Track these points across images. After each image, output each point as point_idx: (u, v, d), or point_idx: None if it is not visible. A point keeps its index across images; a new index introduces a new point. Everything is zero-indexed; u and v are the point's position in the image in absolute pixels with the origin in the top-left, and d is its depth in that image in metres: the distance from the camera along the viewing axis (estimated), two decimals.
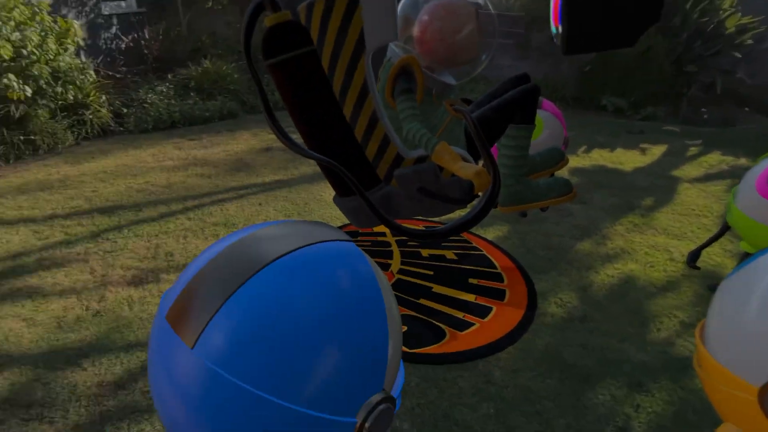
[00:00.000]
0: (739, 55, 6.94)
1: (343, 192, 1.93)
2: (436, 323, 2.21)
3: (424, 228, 3.05)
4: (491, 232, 3.23)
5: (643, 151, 5.31)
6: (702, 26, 6.81)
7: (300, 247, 0.91)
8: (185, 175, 4.36)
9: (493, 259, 2.77)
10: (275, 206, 3.70)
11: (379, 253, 2.78)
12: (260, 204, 3.75)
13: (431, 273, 2.59)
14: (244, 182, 4.21)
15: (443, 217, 3.02)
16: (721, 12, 6.91)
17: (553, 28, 1.70)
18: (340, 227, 2.74)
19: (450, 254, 2.79)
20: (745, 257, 2.66)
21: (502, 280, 2.55)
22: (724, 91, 7.06)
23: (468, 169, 1.59)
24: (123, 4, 7.03)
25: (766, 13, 7.01)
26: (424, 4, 1.78)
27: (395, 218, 2.01)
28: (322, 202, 3.75)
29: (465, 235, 2.99)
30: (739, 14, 6.89)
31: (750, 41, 6.94)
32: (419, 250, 2.83)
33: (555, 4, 1.65)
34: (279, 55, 1.33)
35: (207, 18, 7.69)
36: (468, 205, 2.04)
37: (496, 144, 2.09)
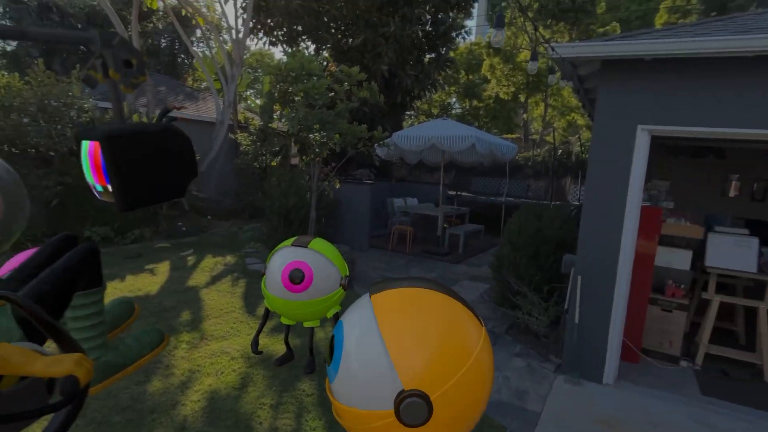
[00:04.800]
0: None
1: None
2: None
3: None
4: (39, 424, 2.42)
5: (152, 271, 5.50)
6: None
7: None
8: None
9: None
10: None
11: None
12: None
13: None
14: None
15: None
16: None
17: (98, 186, 1.67)
18: None
19: None
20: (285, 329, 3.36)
21: None
22: (189, 206, 8.41)
23: (60, 364, 1.23)
24: None
25: (194, 145, 9.02)
26: None
27: None
28: None
29: None
30: None
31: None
32: None
33: (96, 163, 1.63)
34: None
35: None
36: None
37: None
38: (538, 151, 14.08)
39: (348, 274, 3.12)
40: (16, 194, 1.52)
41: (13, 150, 6.32)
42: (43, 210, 6.51)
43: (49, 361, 1.26)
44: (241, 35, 9.87)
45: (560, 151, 12.56)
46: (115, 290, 4.73)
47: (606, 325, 3.29)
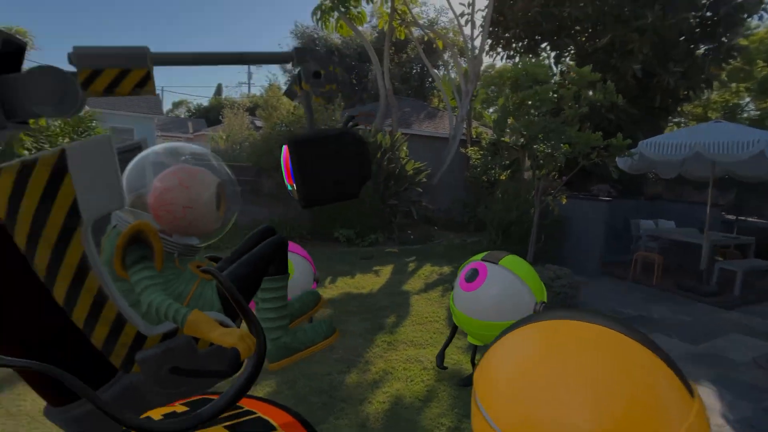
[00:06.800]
0: (420, 189, 9.14)
1: (58, 400, 1.42)
2: None
3: (180, 413, 2.49)
4: (262, 387, 2.93)
5: (377, 273, 6.08)
6: (391, 170, 8.75)
7: None
8: None
9: (270, 420, 2.47)
10: None
11: None
12: None
13: None
14: None
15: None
16: (402, 159, 9.08)
17: (288, 186, 1.81)
18: None
19: (220, 430, 2.34)
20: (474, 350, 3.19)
21: None
22: (418, 216, 9.02)
23: (229, 336, 1.40)
24: None
25: (429, 159, 9.69)
26: (152, 175, 1.64)
27: (144, 412, 1.59)
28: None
29: None
30: (413, 161, 9.23)
31: (425, 179, 9.29)
32: None
33: (286, 166, 1.77)
34: None
35: None
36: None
37: (253, 300, 1.97)
38: None
39: (545, 300, 2.71)
40: (234, 191, 1.85)
41: None
42: (308, 213, 8.04)
43: (222, 332, 1.44)
44: (476, 52, 10.09)
45: None
46: (345, 285, 5.41)
47: None
